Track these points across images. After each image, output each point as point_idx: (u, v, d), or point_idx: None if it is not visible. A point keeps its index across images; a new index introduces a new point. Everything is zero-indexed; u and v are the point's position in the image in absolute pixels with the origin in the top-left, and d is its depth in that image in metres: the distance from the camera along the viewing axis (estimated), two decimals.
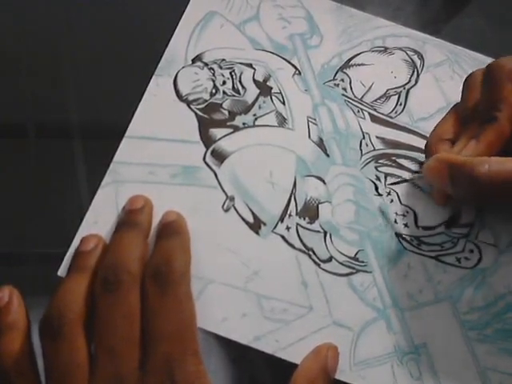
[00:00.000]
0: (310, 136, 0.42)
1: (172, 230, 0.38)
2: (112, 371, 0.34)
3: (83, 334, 0.35)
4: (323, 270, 0.39)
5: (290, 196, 0.41)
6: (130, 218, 0.38)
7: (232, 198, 0.40)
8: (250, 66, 0.44)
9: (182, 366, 0.34)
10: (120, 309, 0.35)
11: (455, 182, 0.37)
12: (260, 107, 0.43)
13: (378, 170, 0.42)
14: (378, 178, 0.42)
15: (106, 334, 0.34)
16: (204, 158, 0.41)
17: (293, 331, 0.38)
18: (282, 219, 0.40)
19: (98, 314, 0.35)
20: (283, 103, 0.43)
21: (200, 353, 0.35)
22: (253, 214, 0.40)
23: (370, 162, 0.42)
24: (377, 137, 0.43)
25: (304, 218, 0.40)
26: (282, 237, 0.40)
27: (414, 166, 0.42)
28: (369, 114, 0.43)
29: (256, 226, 0.40)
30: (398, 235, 0.40)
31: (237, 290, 0.38)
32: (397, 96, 0.44)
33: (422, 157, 0.42)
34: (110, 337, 0.34)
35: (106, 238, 0.38)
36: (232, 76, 0.44)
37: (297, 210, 0.40)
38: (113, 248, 0.37)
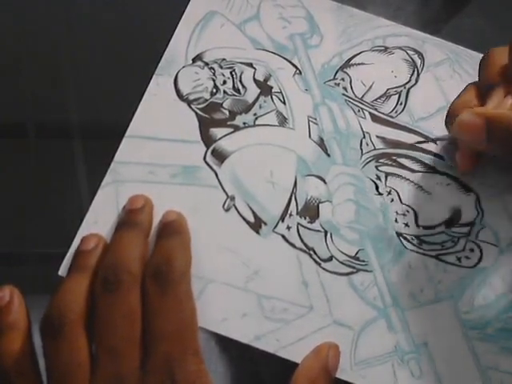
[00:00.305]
0: (310, 135, 0.42)
1: (172, 230, 0.38)
2: (113, 371, 0.34)
3: (84, 334, 0.35)
4: (324, 269, 0.39)
5: (291, 195, 0.41)
6: (131, 217, 0.38)
7: (232, 198, 0.40)
8: (251, 65, 0.44)
9: (182, 366, 0.34)
10: (120, 308, 0.35)
11: (492, 137, 0.36)
12: (260, 107, 0.43)
13: (378, 170, 0.42)
14: (379, 178, 0.42)
15: (106, 334, 0.34)
16: (204, 158, 0.41)
17: (293, 330, 0.38)
18: (282, 219, 0.40)
19: (98, 313, 0.35)
20: (284, 103, 0.43)
21: (201, 352, 0.35)
22: (253, 213, 0.40)
23: (370, 161, 0.42)
24: (377, 136, 0.43)
25: (304, 218, 0.40)
26: (283, 236, 0.40)
27: (414, 166, 0.42)
28: (369, 113, 0.43)
29: (257, 225, 0.40)
30: (399, 234, 0.40)
31: (237, 289, 0.38)
32: (397, 95, 0.44)
33: (422, 156, 0.42)
34: (111, 337, 0.34)
35: (106, 237, 0.38)
36: (232, 75, 0.44)
37: (297, 209, 0.40)
38: (113, 248, 0.37)
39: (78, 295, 0.35)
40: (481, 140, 0.37)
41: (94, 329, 0.35)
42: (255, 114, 0.43)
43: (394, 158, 0.42)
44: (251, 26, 0.45)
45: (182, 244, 0.38)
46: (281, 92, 0.43)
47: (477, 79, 0.42)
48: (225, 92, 0.43)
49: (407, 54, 0.45)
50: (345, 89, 0.44)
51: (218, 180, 0.41)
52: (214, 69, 0.44)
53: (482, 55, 0.41)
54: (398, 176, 0.42)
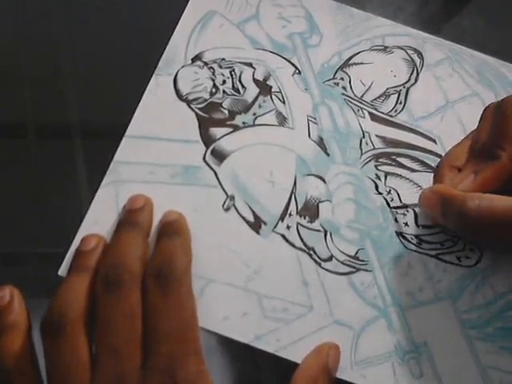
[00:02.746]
0: (310, 135, 0.42)
1: (173, 230, 0.38)
2: (113, 371, 0.34)
3: (85, 333, 0.35)
4: (324, 269, 0.39)
5: (291, 195, 0.41)
6: (131, 217, 0.38)
7: (232, 198, 0.40)
8: (250, 65, 0.44)
9: (183, 366, 0.34)
10: (121, 308, 0.35)
11: (446, 214, 0.38)
12: (260, 106, 0.43)
13: (378, 169, 0.42)
14: (378, 177, 0.42)
15: (107, 334, 0.34)
16: (204, 158, 0.41)
17: (294, 330, 0.38)
18: (282, 218, 0.40)
19: (99, 313, 0.35)
20: (283, 102, 0.43)
21: (202, 352, 0.35)
22: (253, 213, 0.40)
23: (370, 160, 0.42)
24: (377, 136, 0.43)
25: (304, 217, 0.40)
26: (283, 236, 0.40)
27: (414, 165, 0.42)
28: (369, 112, 0.43)
29: (256, 225, 0.40)
30: (399, 234, 0.40)
31: (237, 289, 0.38)
32: (396, 95, 0.44)
33: (422, 155, 0.42)
34: (112, 336, 0.34)
35: (106, 237, 0.38)
36: (232, 75, 0.44)
37: (297, 209, 0.40)
38: (113, 247, 0.37)
39: (79, 295, 0.35)
40: (438, 216, 0.38)
41: (95, 328, 0.35)
42: (255, 114, 0.43)
43: (394, 157, 0.42)
44: (250, 26, 0.45)
45: (183, 244, 0.38)
46: (280, 91, 0.43)
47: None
48: (224, 92, 0.43)
49: (407, 53, 0.45)
50: (344, 88, 0.44)
51: (218, 180, 0.41)
52: (213, 68, 0.44)
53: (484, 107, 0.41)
54: (398, 175, 0.42)
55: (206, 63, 0.44)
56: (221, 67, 0.44)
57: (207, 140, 0.42)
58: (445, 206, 0.37)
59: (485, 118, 0.40)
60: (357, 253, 0.40)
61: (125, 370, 0.34)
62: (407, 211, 0.41)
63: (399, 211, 0.41)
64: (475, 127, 0.41)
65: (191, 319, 0.35)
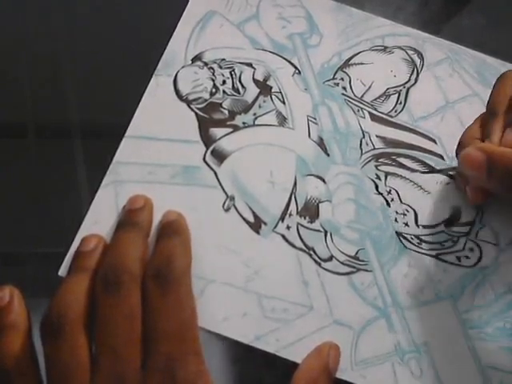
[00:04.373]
0: (310, 135, 0.42)
1: (172, 230, 0.38)
2: (113, 371, 0.34)
3: (84, 334, 0.35)
4: (324, 269, 0.39)
5: (291, 195, 0.41)
6: (131, 217, 0.38)
7: (232, 198, 0.40)
8: (250, 65, 0.44)
9: (183, 366, 0.34)
10: (121, 309, 0.35)
11: (492, 173, 0.36)
12: (260, 106, 0.43)
13: (378, 169, 0.42)
14: (378, 177, 0.42)
15: (107, 335, 0.34)
16: (204, 158, 0.41)
17: (294, 330, 0.38)
18: (282, 218, 0.40)
19: (98, 314, 0.35)
20: (283, 102, 0.43)
21: (202, 352, 0.35)
22: (253, 213, 0.40)
23: (370, 161, 0.42)
24: (377, 136, 0.43)
25: (304, 218, 0.40)
26: (283, 236, 0.40)
27: (414, 165, 0.42)
28: (369, 113, 0.43)
29: (256, 225, 0.40)
30: (399, 234, 0.40)
31: (237, 289, 0.38)
32: (397, 95, 0.44)
33: (422, 155, 0.42)
34: (112, 337, 0.34)
35: (106, 237, 0.38)
36: (232, 75, 0.44)
37: (297, 209, 0.40)
38: (113, 248, 0.37)
39: (78, 295, 0.35)
40: (482, 176, 0.37)
41: (95, 329, 0.35)
42: (255, 114, 0.43)
43: (394, 157, 0.42)
44: (250, 26, 0.45)
45: (183, 244, 0.38)
46: (280, 92, 0.43)
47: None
48: (224, 92, 0.43)
49: (407, 53, 0.45)
50: (344, 88, 0.44)
51: (218, 180, 0.41)
52: (213, 69, 0.44)
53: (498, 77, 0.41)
54: (398, 175, 0.42)
55: (205, 63, 0.44)
56: (221, 67, 0.44)
57: (207, 140, 0.42)
58: (491, 164, 0.36)
59: (502, 82, 0.40)
60: (357, 253, 0.40)
61: (124, 370, 0.34)
62: (407, 211, 0.41)
63: (399, 211, 0.41)
64: None
65: (191, 319, 0.35)
